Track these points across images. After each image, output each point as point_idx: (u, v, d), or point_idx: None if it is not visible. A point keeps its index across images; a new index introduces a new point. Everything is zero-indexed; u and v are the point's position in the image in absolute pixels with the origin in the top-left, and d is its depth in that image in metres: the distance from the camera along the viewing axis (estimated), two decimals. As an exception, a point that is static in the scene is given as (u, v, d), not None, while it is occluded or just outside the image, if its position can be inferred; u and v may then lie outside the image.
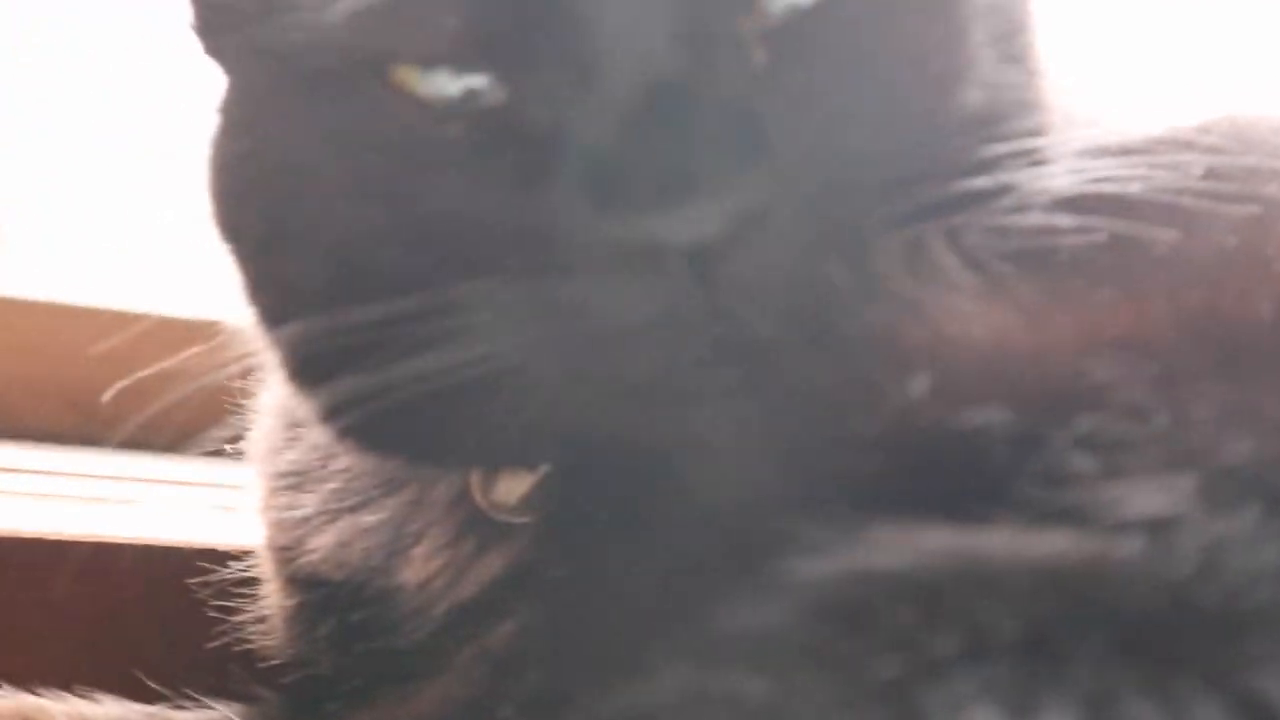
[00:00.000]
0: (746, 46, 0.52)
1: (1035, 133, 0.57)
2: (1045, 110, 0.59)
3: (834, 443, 0.46)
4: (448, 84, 0.53)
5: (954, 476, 0.43)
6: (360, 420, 0.57)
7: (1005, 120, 0.56)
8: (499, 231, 0.52)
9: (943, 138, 0.54)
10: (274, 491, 0.74)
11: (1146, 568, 0.39)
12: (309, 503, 0.71)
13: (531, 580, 0.61)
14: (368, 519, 0.69)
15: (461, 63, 0.52)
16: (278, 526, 0.73)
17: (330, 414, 0.59)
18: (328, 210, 0.56)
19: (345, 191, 0.56)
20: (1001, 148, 0.54)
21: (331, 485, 0.71)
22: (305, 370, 0.60)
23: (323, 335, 0.55)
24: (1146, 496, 0.41)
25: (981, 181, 0.53)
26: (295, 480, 0.73)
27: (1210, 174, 0.55)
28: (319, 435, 0.71)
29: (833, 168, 0.52)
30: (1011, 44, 0.59)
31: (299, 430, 0.74)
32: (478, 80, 0.53)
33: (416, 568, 0.66)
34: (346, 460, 0.71)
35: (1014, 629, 0.38)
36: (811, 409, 0.48)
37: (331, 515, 0.70)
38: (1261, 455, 0.41)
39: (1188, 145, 0.57)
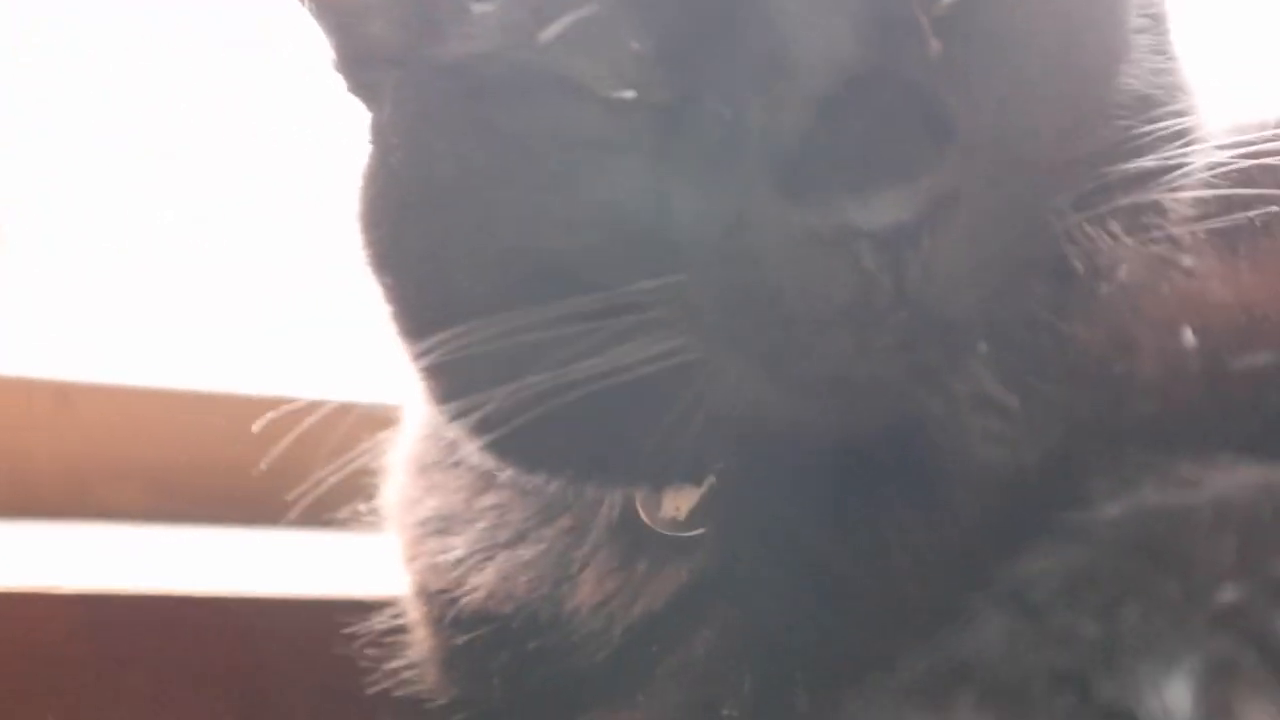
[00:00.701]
0: (924, 33, 0.53)
1: (1186, 114, 0.58)
2: (1190, 94, 0.61)
3: (1102, 397, 0.46)
4: (633, 87, 0.54)
5: (1235, 418, 0.44)
6: (525, 434, 0.56)
7: (1161, 103, 0.58)
8: (684, 225, 0.53)
9: (1110, 119, 0.55)
10: (419, 540, 0.73)
11: None
12: (460, 544, 0.70)
13: (722, 586, 0.60)
14: (526, 553, 0.68)
15: (650, 83, 0.53)
16: (431, 571, 0.72)
17: (497, 422, 0.58)
18: (508, 213, 0.56)
19: (526, 192, 0.56)
20: (1163, 128, 0.55)
21: (481, 525, 0.70)
22: (471, 376, 0.58)
23: (495, 336, 0.55)
24: None
25: (1151, 161, 0.54)
26: (441, 524, 0.72)
27: None
28: (465, 475, 0.72)
29: (1012, 149, 0.52)
30: (1157, 29, 0.60)
31: (436, 478, 0.74)
32: (662, 83, 0.54)
33: (588, 590, 0.65)
34: (494, 497, 0.70)
35: None
36: (1069, 369, 0.48)
37: (487, 552, 0.69)
38: None
39: None
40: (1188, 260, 0.50)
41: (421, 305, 0.62)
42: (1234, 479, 0.42)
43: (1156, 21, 0.62)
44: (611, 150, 0.54)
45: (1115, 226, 0.53)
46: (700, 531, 0.63)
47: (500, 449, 0.61)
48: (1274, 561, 0.38)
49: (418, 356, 0.61)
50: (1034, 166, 0.53)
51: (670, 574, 0.63)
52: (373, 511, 0.78)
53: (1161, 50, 0.61)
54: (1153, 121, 0.56)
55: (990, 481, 0.47)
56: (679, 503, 0.63)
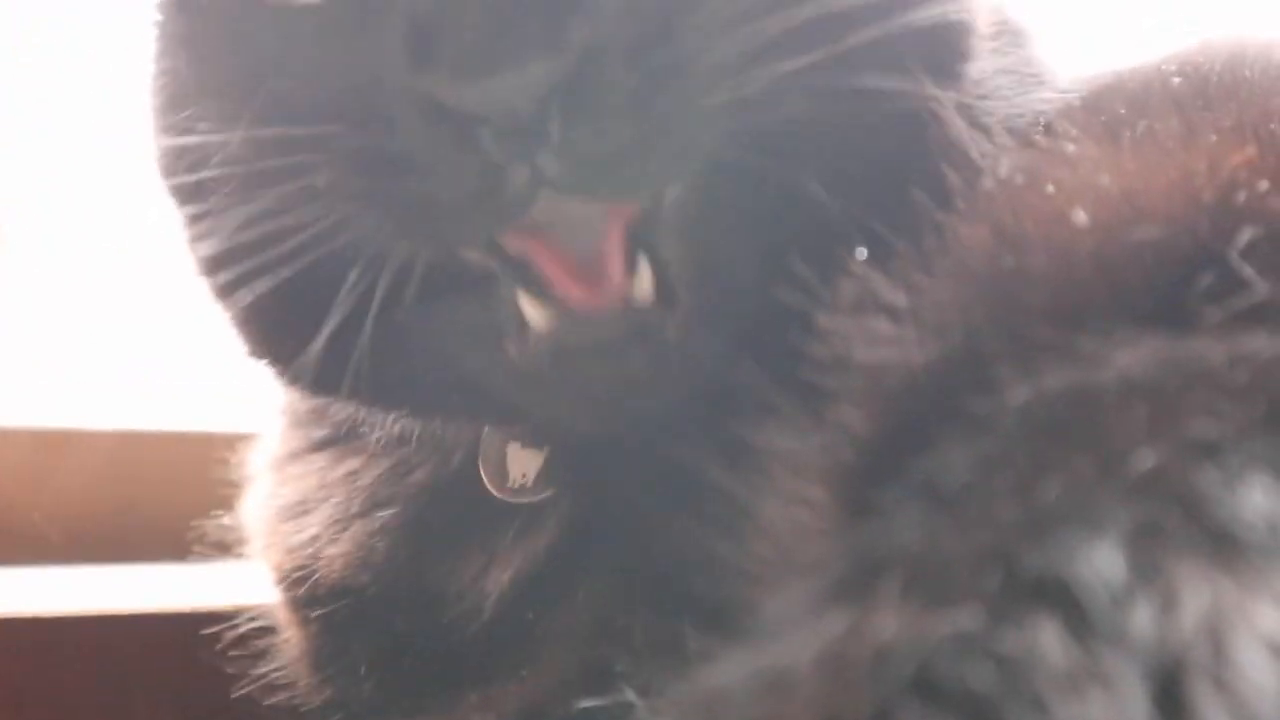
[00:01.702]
0: None
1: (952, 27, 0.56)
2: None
3: (996, 290, 0.45)
4: None
5: (1129, 294, 0.43)
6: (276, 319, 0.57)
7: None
8: (338, 94, 0.52)
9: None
10: (274, 529, 0.70)
11: None
12: (314, 522, 0.68)
13: (591, 543, 0.59)
14: (381, 516, 0.66)
15: None
16: (285, 554, 0.69)
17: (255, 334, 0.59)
18: (208, 113, 0.56)
19: (222, 93, 0.56)
20: None
21: (335, 499, 0.68)
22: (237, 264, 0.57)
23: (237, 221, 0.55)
24: None
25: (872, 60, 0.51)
26: (296, 509, 0.70)
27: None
28: (318, 459, 0.70)
29: (659, 17, 0.50)
30: None
31: (290, 470, 0.72)
32: None
33: (450, 560, 0.63)
34: (346, 467, 0.68)
35: (1256, 410, 0.37)
36: (957, 266, 0.46)
37: (342, 525, 0.67)
38: None
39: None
40: (1070, 148, 0.50)
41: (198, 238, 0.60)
42: (1138, 353, 0.41)
43: None
44: (287, 31, 0.54)
45: (993, 123, 0.52)
46: (549, 494, 0.61)
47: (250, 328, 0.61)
48: (1184, 425, 0.37)
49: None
50: (689, 36, 0.50)
51: (534, 537, 0.61)
52: (234, 521, 0.75)
53: None
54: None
55: (882, 386, 0.45)
56: (523, 468, 0.62)
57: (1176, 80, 0.55)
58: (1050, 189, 0.47)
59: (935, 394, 0.43)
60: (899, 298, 0.46)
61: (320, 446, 0.69)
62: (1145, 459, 0.37)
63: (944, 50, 0.54)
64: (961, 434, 0.41)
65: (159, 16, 0.61)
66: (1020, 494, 0.38)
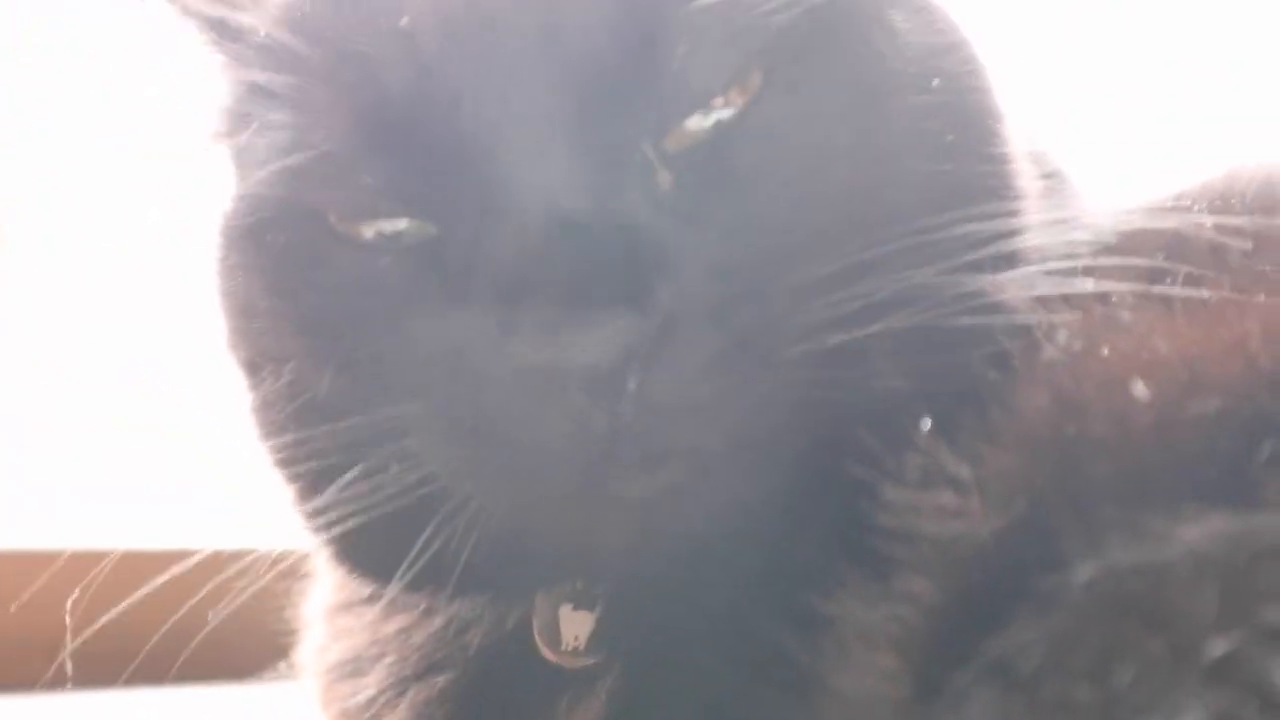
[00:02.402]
0: (651, 170, 0.53)
1: (1001, 217, 0.57)
2: (1016, 196, 0.60)
3: (1057, 460, 0.45)
4: (378, 226, 0.56)
5: (1192, 467, 0.43)
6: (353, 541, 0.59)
7: (951, 212, 0.55)
8: (429, 356, 0.54)
9: (870, 236, 0.54)
10: (331, 686, 0.70)
11: None
12: (371, 683, 0.68)
13: (644, 710, 0.59)
14: (438, 681, 0.65)
15: (383, 214, 0.55)
16: (343, 716, 0.68)
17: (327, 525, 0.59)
18: (286, 346, 0.59)
19: (298, 329, 0.58)
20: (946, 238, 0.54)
21: (389, 659, 0.68)
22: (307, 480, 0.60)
23: (300, 459, 0.58)
24: None
25: (927, 275, 0.53)
26: (351, 667, 0.70)
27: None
28: (368, 613, 0.70)
29: (745, 278, 0.52)
30: (965, 135, 0.59)
31: (342, 622, 0.72)
32: (405, 222, 0.55)
33: None
34: (397, 624, 0.68)
35: None
36: (1019, 436, 0.47)
37: (399, 687, 0.66)
38: None
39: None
40: (1126, 316, 0.50)
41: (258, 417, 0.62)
42: (1203, 529, 0.41)
43: (969, 124, 0.60)
44: (365, 286, 0.56)
45: (1048, 297, 0.53)
46: (600, 659, 0.61)
47: (338, 554, 0.62)
48: (1259, 609, 0.38)
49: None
50: (772, 293, 0.53)
51: (588, 703, 0.60)
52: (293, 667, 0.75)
53: (972, 152, 0.59)
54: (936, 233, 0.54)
55: (950, 558, 0.46)
56: (576, 630, 0.62)
57: (1211, 223, 0.56)
58: (1107, 355, 0.48)
59: (1002, 566, 0.44)
60: (963, 469, 0.47)
61: (372, 599, 0.69)
62: (1219, 644, 0.37)
63: (1005, 242, 0.55)
64: (1031, 611, 0.41)
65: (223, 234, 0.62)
66: (1094, 679, 0.38)
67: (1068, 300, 0.52)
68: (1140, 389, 0.45)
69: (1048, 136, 0.69)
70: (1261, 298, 0.49)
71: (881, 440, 0.49)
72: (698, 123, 0.54)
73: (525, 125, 0.52)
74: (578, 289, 0.50)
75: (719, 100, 0.54)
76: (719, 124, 0.54)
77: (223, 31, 0.61)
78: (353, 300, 0.56)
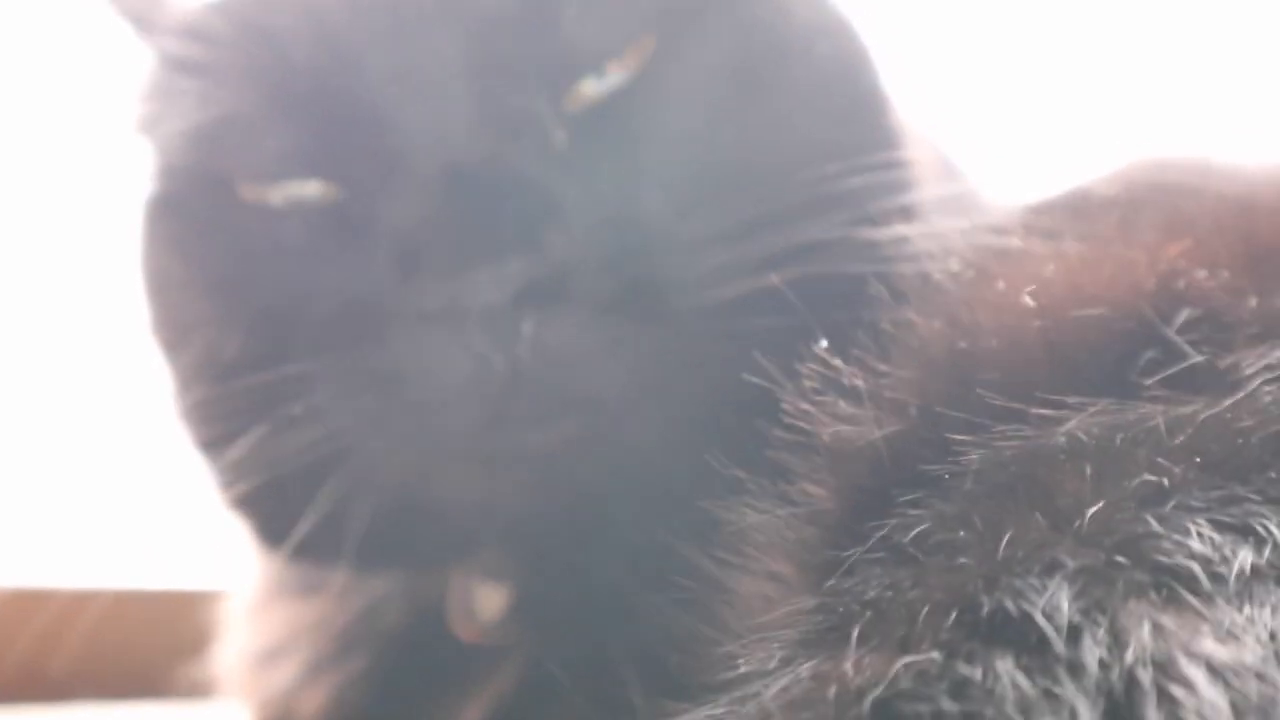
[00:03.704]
0: (546, 128, 0.55)
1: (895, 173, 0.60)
2: (908, 163, 0.62)
3: (951, 371, 0.47)
4: (285, 189, 0.57)
5: (1077, 368, 0.45)
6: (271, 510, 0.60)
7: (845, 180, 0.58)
8: (333, 311, 0.56)
9: (763, 193, 0.56)
10: (250, 676, 0.70)
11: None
12: (289, 670, 0.68)
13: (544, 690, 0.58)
14: (353, 664, 0.66)
15: (289, 177, 0.57)
16: (262, 703, 0.68)
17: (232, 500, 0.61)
18: (199, 313, 0.60)
19: (209, 294, 0.60)
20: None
21: (306, 645, 0.68)
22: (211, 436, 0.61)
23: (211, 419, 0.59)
24: (1263, 356, 0.43)
25: (820, 227, 0.55)
26: (270, 656, 0.69)
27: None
28: (288, 604, 0.70)
29: (638, 232, 0.55)
30: (855, 106, 0.62)
31: (261, 617, 0.72)
32: (310, 184, 0.57)
33: (423, 713, 0.63)
34: (316, 612, 0.68)
35: (1193, 466, 0.40)
36: (914, 351, 0.49)
37: (314, 673, 0.67)
38: None
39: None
40: (1015, 244, 0.53)
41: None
42: (1083, 419, 0.43)
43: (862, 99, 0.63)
44: (275, 249, 0.58)
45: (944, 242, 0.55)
46: (510, 637, 0.62)
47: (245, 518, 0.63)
48: (1128, 481, 0.40)
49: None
50: (665, 247, 0.55)
51: (503, 675, 0.61)
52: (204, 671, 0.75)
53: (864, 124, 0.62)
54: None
55: (844, 461, 0.47)
56: (489, 606, 0.63)
57: (1110, 189, 0.58)
58: (999, 283, 0.50)
59: (895, 465, 0.45)
60: (858, 381, 0.48)
61: (292, 591, 0.69)
62: (1091, 512, 0.39)
63: (898, 196, 0.58)
64: (921, 497, 0.42)
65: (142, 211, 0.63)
66: (978, 547, 0.39)
67: (961, 234, 0.54)
68: (1028, 302, 0.47)
69: (945, 136, 0.73)
70: (1149, 234, 0.51)
71: (780, 357, 0.50)
72: (593, 85, 0.56)
73: (423, 86, 0.54)
74: (474, 236, 0.52)
75: (614, 63, 0.56)
76: (614, 86, 0.56)
77: (149, 23, 0.63)
78: (261, 263, 0.58)
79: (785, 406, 0.48)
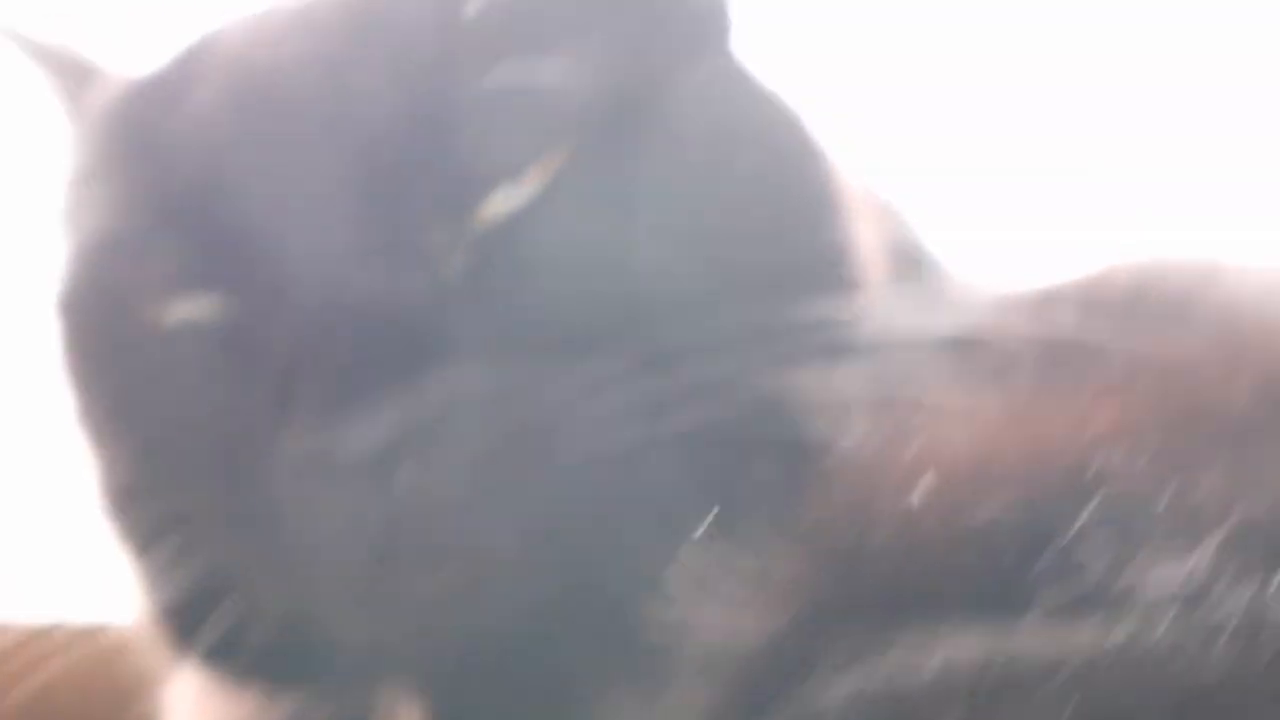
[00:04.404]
0: (440, 255, 0.52)
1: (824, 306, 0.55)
2: (849, 284, 0.58)
3: (836, 571, 0.44)
4: (177, 308, 0.55)
5: (966, 580, 0.42)
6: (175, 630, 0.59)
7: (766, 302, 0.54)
8: (216, 442, 0.54)
9: (670, 328, 0.53)
10: None
11: (1182, 642, 0.38)
12: None
13: None
14: None
15: (179, 296, 0.54)
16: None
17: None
18: (100, 426, 0.59)
19: (106, 411, 0.58)
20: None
21: None
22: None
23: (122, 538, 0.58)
24: (1168, 573, 0.40)
25: (726, 370, 0.52)
26: None
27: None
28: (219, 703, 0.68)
29: (529, 369, 0.51)
30: (787, 221, 0.58)
31: (201, 708, 0.70)
32: (201, 303, 0.54)
33: None
34: (244, 711, 0.65)
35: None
36: (800, 545, 0.46)
37: None
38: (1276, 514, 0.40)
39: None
40: (936, 399, 0.49)
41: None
42: (960, 647, 0.40)
43: (803, 211, 0.59)
44: (159, 371, 0.55)
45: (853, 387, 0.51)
46: None
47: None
48: None
49: None
50: (564, 379, 0.52)
51: None
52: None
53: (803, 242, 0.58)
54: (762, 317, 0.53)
55: (722, 664, 0.44)
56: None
57: (1068, 319, 0.54)
58: (905, 455, 0.46)
59: (770, 675, 0.43)
60: (742, 572, 0.45)
61: (226, 688, 0.67)
62: None
63: (823, 335, 0.54)
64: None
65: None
66: None
67: (881, 396, 0.51)
68: (929, 485, 0.44)
69: (919, 223, 0.69)
70: (1082, 397, 0.48)
71: (663, 540, 0.47)
72: (496, 205, 0.53)
73: (310, 212, 0.51)
74: (348, 378, 0.49)
75: (516, 182, 0.53)
76: (523, 203, 0.53)
77: (76, 109, 0.62)
78: (152, 384, 0.56)
79: (666, 598, 0.46)
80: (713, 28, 0.60)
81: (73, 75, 0.66)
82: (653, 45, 0.57)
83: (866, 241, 0.61)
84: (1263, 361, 0.49)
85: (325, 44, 0.54)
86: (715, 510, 0.47)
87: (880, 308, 0.56)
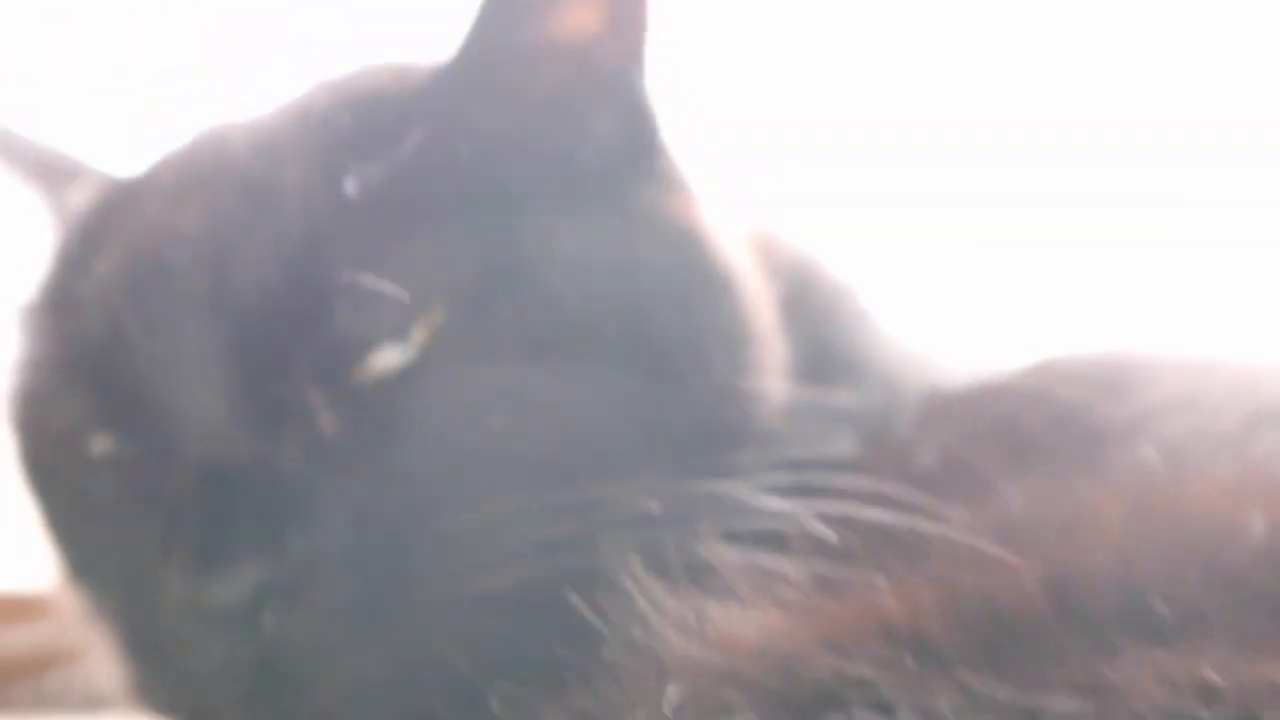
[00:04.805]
0: (312, 417, 0.56)
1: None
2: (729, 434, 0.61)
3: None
4: (95, 446, 0.60)
5: None
6: None
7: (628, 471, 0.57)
8: (119, 569, 0.59)
9: (525, 487, 0.56)
10: None
11: None
12: None
13: None
14: None
15: (91, 435, 0.60)
16: None
17: None
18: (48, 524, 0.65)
19: (44, 520, 0.64)
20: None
21: None
22: None
23: None
24: None
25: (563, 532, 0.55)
26: None
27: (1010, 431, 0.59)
28: None
29: (388, 527, 0.55)
30: (665, 371, 0.60)
31: None
32: (111, 444, 0.60)
33: None
34: None
35: None
36: None
37: None
38: None
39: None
40: (730, 601, 0.51)
41: None
42: None
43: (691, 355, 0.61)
44: (91, 497, 0.61)
45: (712, 552, 0.54)
46: None
47: None
48: None
49: None
50: (429, 537, 0.56)
51: None
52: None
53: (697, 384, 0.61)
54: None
55: None
56: None
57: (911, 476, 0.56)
58: (672, 647, 0.49)
59: None
60: None
61: None
62: None
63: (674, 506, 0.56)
64: None
65: None
66: None
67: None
68: (672, 694, 0.47)
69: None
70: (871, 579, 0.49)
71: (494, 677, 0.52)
72: (377, 364, 0.56)
73: (188, 374, 0.56)
74: (218, 534, 0.54)
75: (396, 343, 0.56)
76: (400, 362, 0.56)
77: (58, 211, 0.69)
78: (79, 500, 0.62)
79: None
80: (608, 180, 0.63)
81: (52, 176, 0.71)
82: (531, 214, 0.60)
83: (772, 362, 0.64)
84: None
85: (216, 215, 0.58)
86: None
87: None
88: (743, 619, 0.49)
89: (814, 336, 0.67)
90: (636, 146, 0.64)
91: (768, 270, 0.68)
